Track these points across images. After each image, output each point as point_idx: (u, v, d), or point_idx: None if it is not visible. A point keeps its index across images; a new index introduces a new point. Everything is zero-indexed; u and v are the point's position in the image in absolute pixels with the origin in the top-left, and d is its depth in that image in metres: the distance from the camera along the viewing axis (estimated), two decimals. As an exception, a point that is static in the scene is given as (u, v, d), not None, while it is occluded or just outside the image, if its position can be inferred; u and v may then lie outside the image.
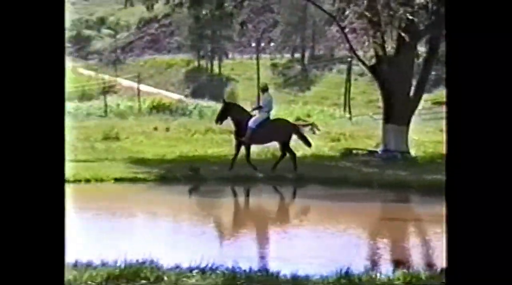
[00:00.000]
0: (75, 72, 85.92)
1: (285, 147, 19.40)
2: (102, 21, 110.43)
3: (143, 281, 7.38)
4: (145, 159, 21.67)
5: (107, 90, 61.57)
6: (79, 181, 17.34)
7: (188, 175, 18.22)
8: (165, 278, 7.53)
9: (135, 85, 62.42)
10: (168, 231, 13.12)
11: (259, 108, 19.93)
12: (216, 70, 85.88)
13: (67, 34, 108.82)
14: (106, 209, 14.89)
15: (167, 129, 32.69)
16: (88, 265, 7.86)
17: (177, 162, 20.76)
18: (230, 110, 19.70)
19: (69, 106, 52.83)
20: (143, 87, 62.54)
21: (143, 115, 45.35)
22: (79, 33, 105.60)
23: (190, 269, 7.93)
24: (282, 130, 19.56)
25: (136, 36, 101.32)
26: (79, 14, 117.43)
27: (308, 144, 20.06)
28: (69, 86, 71.39)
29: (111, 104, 51.47)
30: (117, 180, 17.73)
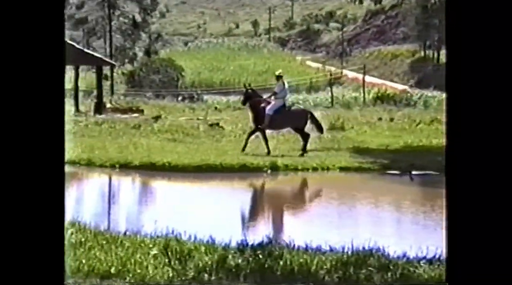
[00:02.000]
0: (304, 65, 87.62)
1: (301, 131, 20.31)
2: (330, 15, 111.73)
3: (370, 269, 7.45)
4: (369, 149, 21.80)
5: (333, 81, 62.24)
6: (307, 169, 17.83)
7: (410, 165, 18.12)
8: (391, 267, 7.52)
9: (360, 76, 62.67)
10: (391, 219, 13.17)
11: (274, 94, 20.81)
12: (442, 59, 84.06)
13: (298, 29, 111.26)
14: (333, 197, 15.20)
15: (391, 120, 32.60)
16: (318, 250, 8.09)
17: (401, 152, 20.67)
18: (249, 96, 21.05)
19: (298, 97, 54.05)
20: (368, 78, 62.61)
21: (367, 106, 45.60)
22: (309, 27, 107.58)
23: (418, 259, 7.87)
24: (298, 116, 20.71)
25: (362, 29, 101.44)
26: (309, 10, 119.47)
27: (321, 130, 21.08)
28: (298, 78, 73.02)
29: (337, 95, 52.08)
30: (342, 169, 18.05)
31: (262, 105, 20.63)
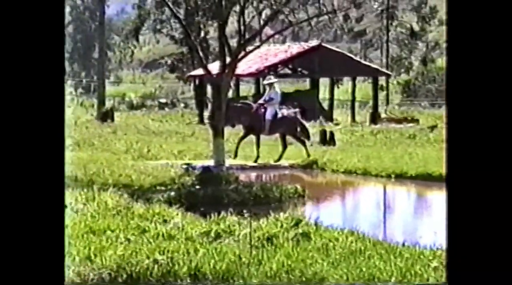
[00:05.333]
0: None
1: (293, 137, 21.01)
2: None
3: None
4: None
5: None
6: None
7: None
8: None
9: None
10: None
11: (270, 100, 20.92)
12: None
13: None
14: None
15: None
16: None
17: None
18: (242, 112, 20.90)
19: None
20: None
21: None
22: None
23: None
24: (290, 122, 21.03)
25: None
26: None
27: (308, 137, 21.60)
28: None
29: None
30: None
31: (258, 112, 20.84)
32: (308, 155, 20.71)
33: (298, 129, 21.53)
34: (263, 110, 21.15)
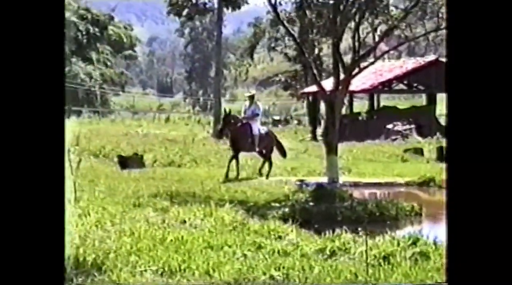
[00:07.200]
0: None
1: (267, 155, 20.42)
2: None
3: None
4: None
5: None
6: None
7: None
8: None
9: None
10: None
11: (255, 115, 20.52)
12: None
13: None
14: None
15: None
16: None
17: None
18: (229, 123, 20.37)
19: None
20: None
21: None
22: None
23: None
24: (268, 139, 20.76)
25: None
26: None
27: (284, 154, 21.38)
28: None
29: None
30: None
31: (244, 128, 20.12)
32: (261, 173, 20.16)
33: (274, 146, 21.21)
34: (247, 126, 20.53)
